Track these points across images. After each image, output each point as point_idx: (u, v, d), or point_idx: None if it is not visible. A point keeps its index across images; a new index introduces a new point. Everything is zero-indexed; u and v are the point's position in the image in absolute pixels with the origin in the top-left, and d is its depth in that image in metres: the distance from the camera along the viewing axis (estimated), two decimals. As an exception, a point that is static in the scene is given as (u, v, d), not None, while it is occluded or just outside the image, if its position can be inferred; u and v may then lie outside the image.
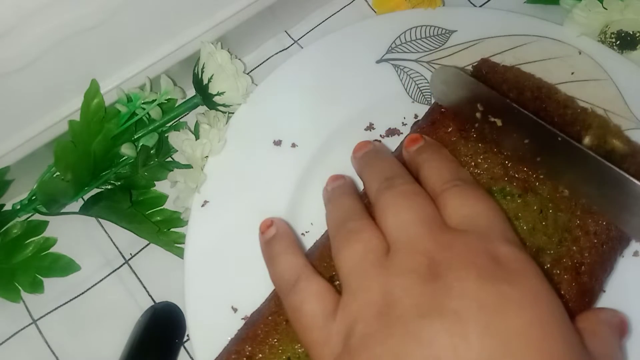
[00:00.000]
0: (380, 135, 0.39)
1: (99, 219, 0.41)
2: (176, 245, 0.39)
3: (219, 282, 0.35)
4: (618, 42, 0.41)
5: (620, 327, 0.28)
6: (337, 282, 0.30)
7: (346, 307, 0.25)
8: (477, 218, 0.27)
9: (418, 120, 0.39)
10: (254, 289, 0.34)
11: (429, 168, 0.31)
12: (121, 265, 0.40)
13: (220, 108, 0.40)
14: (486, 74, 0.37)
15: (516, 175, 0.33)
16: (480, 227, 0.26)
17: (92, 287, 0.40)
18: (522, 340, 0.22)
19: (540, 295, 0.24)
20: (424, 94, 0.40)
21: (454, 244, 0.25)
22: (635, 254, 0.35)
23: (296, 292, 0.28)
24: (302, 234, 0.37)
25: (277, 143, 0.39)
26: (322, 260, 0.31)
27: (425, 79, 0.41)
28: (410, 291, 0.24)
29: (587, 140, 0.33)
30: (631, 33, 0.41)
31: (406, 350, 0.22)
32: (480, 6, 0.46)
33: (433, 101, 0.38)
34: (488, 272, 0.24)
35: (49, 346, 0.38)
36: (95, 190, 0.41)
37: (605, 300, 0.33)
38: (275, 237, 0.32)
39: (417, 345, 0.22)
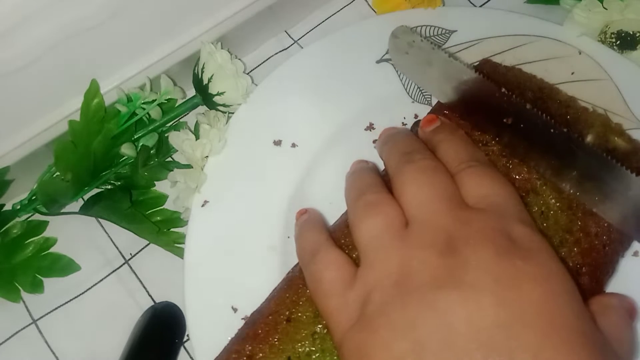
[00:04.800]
0: (381, 136, 0.39)
1: (99, 219, 0.41)
2: (176, 245, 0.39)
3: (219, 281, 0.35)
4: (618, 42, 0.41)
5: (629, 311, 0.29)
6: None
7: (364, 277, 0.26)
8: (493, 198, 0.27)
9: (418, 121, 0.38)
10: (254, 288, 0.34)
11: (445, 148, 0.31)
12: (121, 265, 0.40)
13: (220, 108, 0.40)
14: (487, 74, 0.37)
15: (518, 177, 0.33)
16: (496, 206, 0.27)
17: (92, 287, 0.40)
18: (536, 312, 0.22)
19: (554, 272, 0.24)
20: (424, 94, 0.40)
21: (471, 221, 0.26)
22: (635, 254, 0.35)
23: (315, 262, 0.29)
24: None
25: (277, 143, 0.39)
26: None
27: (426, 79, 0.41)
28: (428, 264, 0.24)
29: (589, 139, 0.33)
30: (631, 33, 0.41)
31: (422, 317, 0.23)
32: (480, 6, 0.46)
33: (434, 102, 0.38)
34: (504, 249, 0.24)
35: (49, 346, 0.38)
36: (95, 190, 0.41)
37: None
38: (306, 220, 0.33)
39: (432, 314, 0.23)
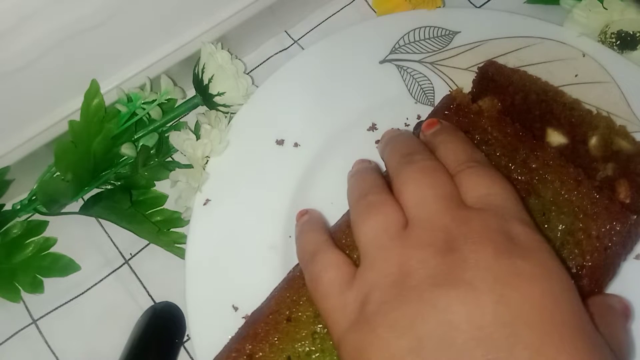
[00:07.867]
0: (383, 136, 0.39)
1: (99, 219, 0.41)
2: (176, 245, 0.39)
3: (220, 280, 0.35)
4: (618, 42, 0.41)
5: (624, 312, 0.29)
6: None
7: (363, 276, 0.26)
8: (493, 198, 0.27)
9: (421, 121, 0.39)
10: (254, 287, 0.34)
11: (445, 149, 0.31)
12: (121, 265, 0.40)
13: (220, 108, 0.40)
14: (492, 75, 0.37)
15: (519, 178, 0.33)
16: (495, 206, 0.27)
17: (92, 287, 0.40)
18: (534, 310, 0.22)
19: (553, 271, 0.24)
20: (427, 94, 0.40)
21: (470, 220, 0.26)
22: (638, 257, 0.35)
23: (315, 262, 0.29)
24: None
25: (280, 142, 0.39)
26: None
27: (429, 79, 0.41)
28: (426, 263, 0.24)
29: (593, 141, 0.33)
30: (631, 33, 0.41)
31: (421, 316, 0.23)
32: (480, 6, 0.46)
33: (436, 103, 0.38)
34: (503, 247, 0.24)
35: (49, 346, 0.38)
36: (95, 190, 0.41)
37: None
38: (307, 221, 0.33)
39: (431, 312, 0.23)
